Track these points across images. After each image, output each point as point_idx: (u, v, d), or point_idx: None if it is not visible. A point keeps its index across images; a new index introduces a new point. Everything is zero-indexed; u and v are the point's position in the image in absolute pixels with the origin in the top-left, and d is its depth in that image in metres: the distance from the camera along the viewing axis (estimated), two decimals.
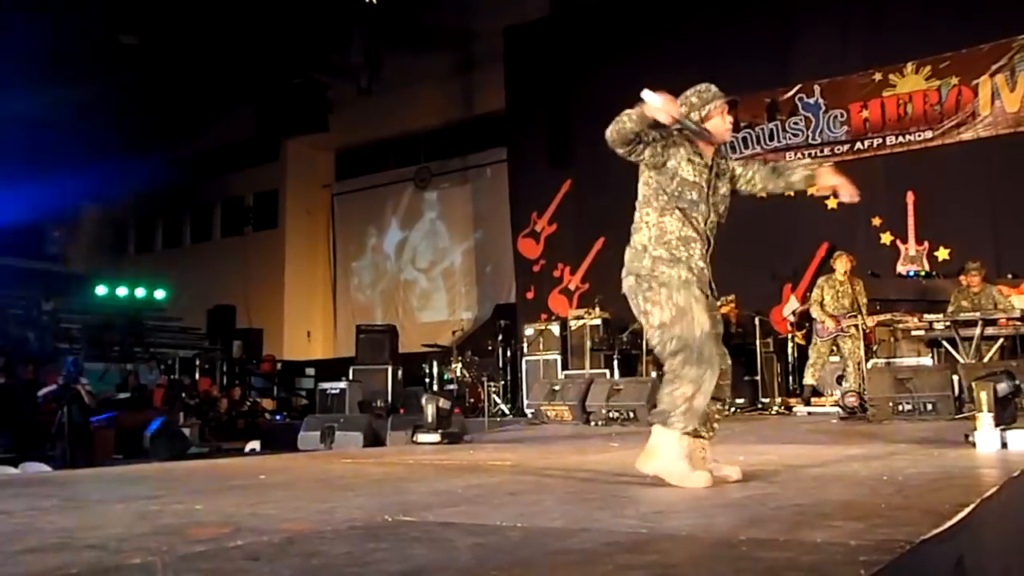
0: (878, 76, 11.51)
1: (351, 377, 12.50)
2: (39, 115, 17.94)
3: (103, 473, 6.72)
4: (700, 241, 3.70)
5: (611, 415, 8.61)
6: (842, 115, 11.74)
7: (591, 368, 10.81)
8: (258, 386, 17.30)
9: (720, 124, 3.79)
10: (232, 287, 19.59)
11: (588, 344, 11.01)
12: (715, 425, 3.84)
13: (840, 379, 9.32)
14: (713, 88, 3.88)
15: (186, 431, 12.75)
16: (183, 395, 15.64)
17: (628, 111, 3.63)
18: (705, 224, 3.73)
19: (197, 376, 17.55)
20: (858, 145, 11.65)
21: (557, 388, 9.49)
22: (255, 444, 12.37)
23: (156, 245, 23.01)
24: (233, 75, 18.32)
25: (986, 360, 8.25)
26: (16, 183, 17.18)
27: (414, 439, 7.53)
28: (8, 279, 18.96)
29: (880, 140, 11.51)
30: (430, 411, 7.63)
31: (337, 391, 11.72)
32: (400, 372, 13.27)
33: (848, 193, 3.84)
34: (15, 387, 13.32)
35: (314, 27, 16.82)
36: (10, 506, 3.55)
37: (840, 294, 9.13)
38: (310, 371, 16.94)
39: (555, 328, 11.76)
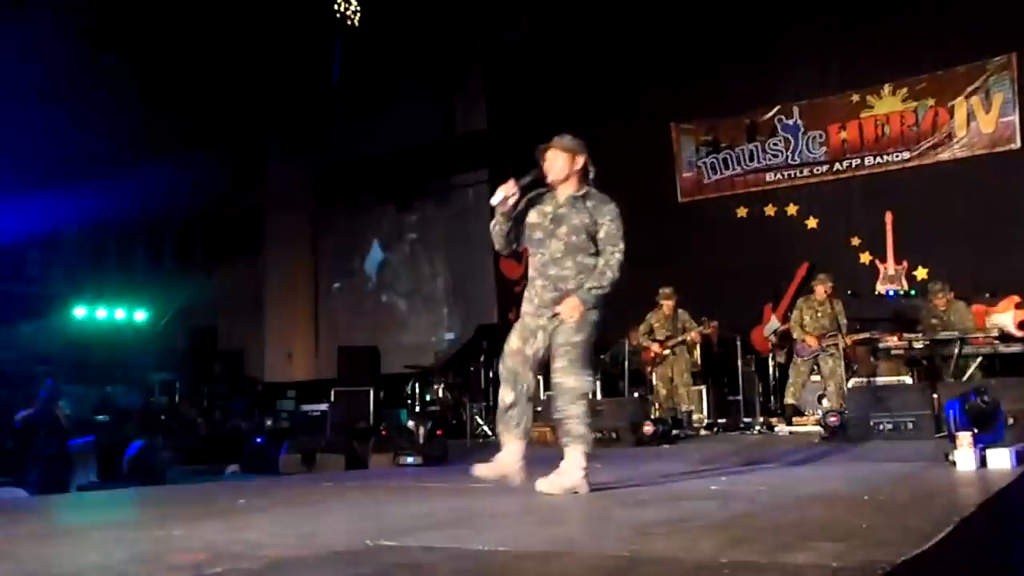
0: (856, 98, 11.65)
1: (333, 399, 12.42)
2: (18, 135, 17.84)
3: (80, 498, 6.64)
4: (540, 277, 4.26)
5: (594, 435, 8.58)
6: (821, 136, 11.86)
7: None
8: (238, 408, 17.15)
9: (546, 167, 4.29)
10: (213, 309, 19.46)
11: None
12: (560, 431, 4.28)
13: (821, 398, 9.36)
14: None
15: (165, 454, 12.61)
16: (162, 417, 15.51)
17: (492, 225, 4.35)
18: (549, 257, 4.23)
19: (176, 399, 17.41)
20: (837, 166, 11.76)
21: (539, 409, 9.46)
22: (235, 467, 12.25)
23: (136, 266, 22.84)
24: (217, 94, 18.30)
25: (965, 378, 8.31)
26: None
27: (396, 461, 7.50)
28: None
29: (858, 161, 11.63)
30: (413, 433, 7.61)
31: (318, 413, 11.64)
32: (382, 394, 13.20)
33: None
34: None
35: (296, 48, 16.83)
36: None
37: (820, 314, 9.20)
38: (291, 393, 16.82)
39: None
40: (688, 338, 9.64)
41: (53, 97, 17.15)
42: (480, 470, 4.34)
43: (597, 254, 4.29)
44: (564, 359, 4.16)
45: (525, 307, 4.33)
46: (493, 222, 4.28)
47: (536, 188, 4.28)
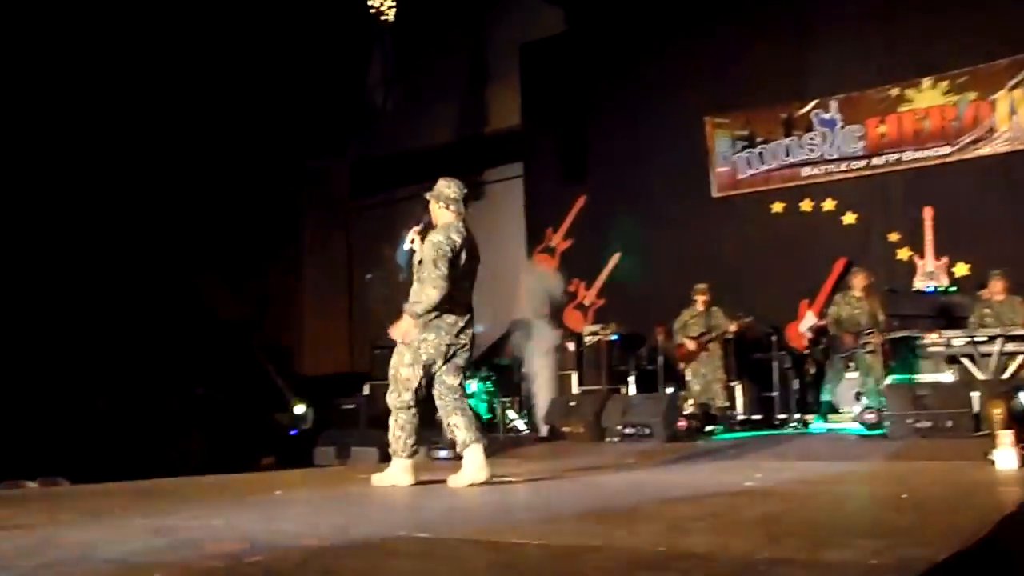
0: (895, 91, 11.47)
1: (366, 392, 12.49)
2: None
3: (120, 487, 6.74)
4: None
5: (626, 431, 8.56)
6: (859, 130, 11.69)
7: (607, 384, 10.77)
8: (273, 401, 17.30)
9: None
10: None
11: (604, 360, 10.98)
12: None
13: (858, 395, 9.25)
14: None
15: (202, 446, 12.77)
16: (200, 409, 15.69)
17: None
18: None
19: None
20: (875, 160, 11.59)
21: (572, 404, 9.46)
22: (270, 459, 12.38)
23: None
24: (251, 93, 18.47)
25: (1007, 376, 8.16)
26: None
27: (430, 455, 7.52)
28: None
29: (897, 156, 11.45)
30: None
31: (352, 406, 11.71)
32: None
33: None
34: (35, 401, 13.41)
35: (331, 45, 16.93)
36: (30, 520, 3.57)
37: (857, 310, 9.07)
38: (325, 386, 16.92)
39: (570, 344, 11.73)
40: (721, 334, 9.55)
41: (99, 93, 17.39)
42: (375, 479, 4.88)
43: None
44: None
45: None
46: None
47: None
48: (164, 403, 15.31)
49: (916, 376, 9.18)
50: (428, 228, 4.95)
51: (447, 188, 5.05)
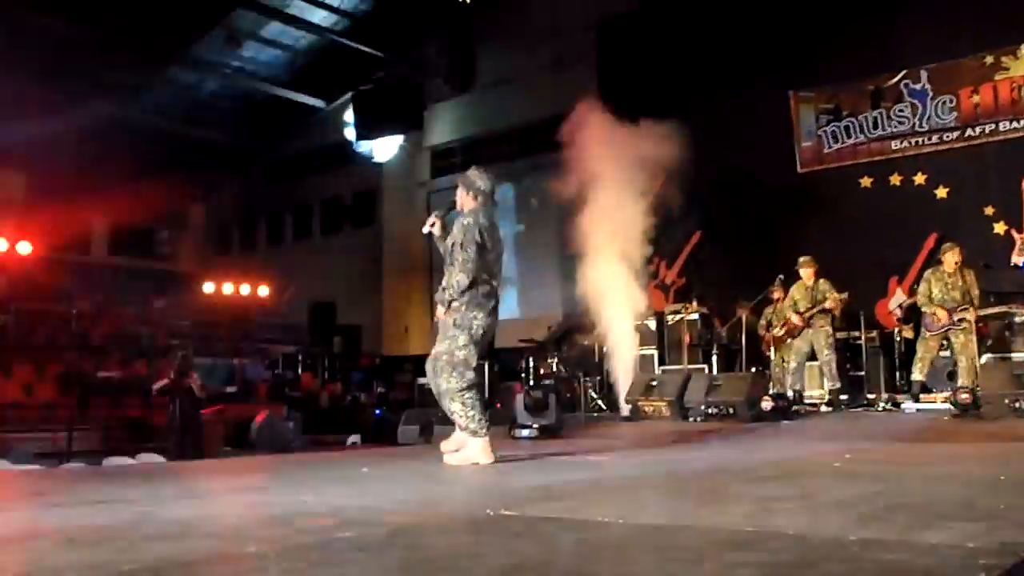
0: (990, 59, 11.02)
1: None
2: (148, 121, 18.72)
3: (214, 465, 6.97)
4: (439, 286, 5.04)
5: (710, 411, 8.47)
6: (951, 101, 11.28)
7: (688, 363, 10.67)
8: (357, 381, 17.66)
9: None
10: (332, 284, 20.03)
11: (685, 339, 10.87)
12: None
13: (951, 375, 8.95)
14: None
15: (289, 424, 13.12)
16: (287, 389, 16.11)
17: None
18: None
19: (300, 371, 18.04)
20: (968, 132, 11.17)
21: (654, 383, 9.38)
22: (356, 438, 12.64)
23: (259, 244, 23.71)
24: (330, 76, 18.78)
25: None
26: (129, 187, 17.94)
27: (512, 434, 7.57)
28: (122, 279, 19.85)
29: (992, 126, 11.02)
30: (528, 406, 7.68)
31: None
32: (496, 367, 13.34)
33: None
34: (130, 381, 13.95)
35: (408, 27, 17.07)
36: (131, 495, 3.72)
37: (950, 286, 8.73)
38: (408, 366, 17.19)
39: (651, 323, 11.64)
40: (827, 307, 9.20)
41: (184, 82, 17.93)
42: (450, 458, 4.91)
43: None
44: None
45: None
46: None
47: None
48: (252, 384, 15.77)
49: (1012, 354, 8.84)
50: (449, 213, 5.07)
51: (478, 179, 5.11)
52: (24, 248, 16.83)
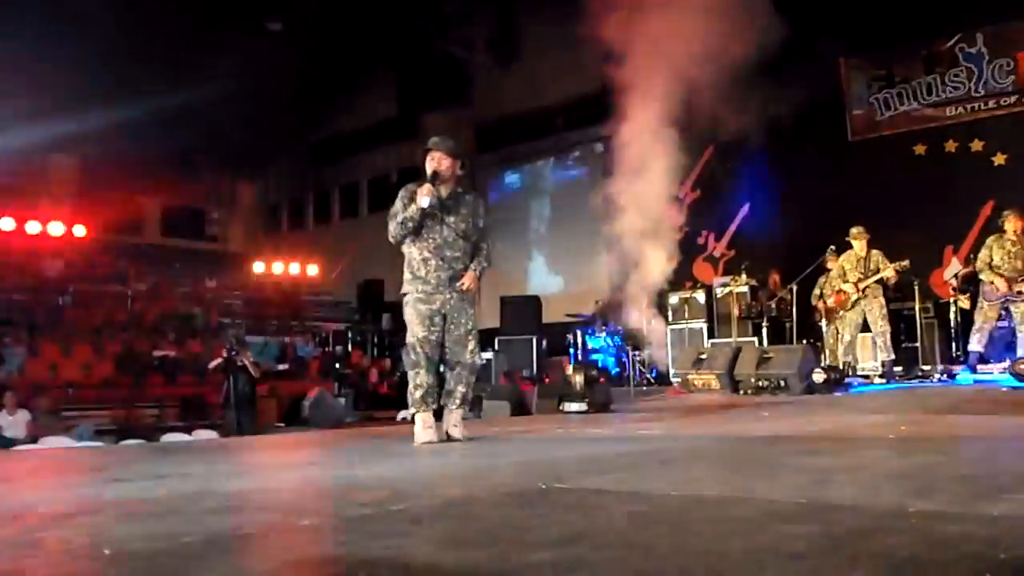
0: None
1: (496, 347, 12.67)
2: (196, 106, 18.92)
3: (268, 440, 7.09)
4: (435, 257, 4.84)
5: (760, 384, 8.38)
6: (1009, 64, 10.96)
7: (738, 336, 10.57)
8: None
9: (428, 168, 4.87)
10: (380, 261, 20.15)
11: (735, 312, 10.77)
12: (450, 397, 4.96)
13: (1010, 346, 8.74)
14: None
15: (340, 400, 13.28)
16: (337, 366, 16.30)
17: (408, 220, 4.85)
18: (443, 240, 4.85)
19: (349, 348, 18.23)
20: None
21: (704, 356, 9.31)
22: (406, 413, 12.73)
23: (307, 223, 23.95)
24: (374, 53, 18.79)
25: None
26: (180, 169, 18.22)
27: (561, 408, 7.58)
28: (174, 260, 20.20)
29: None
30: (576, 380, 7.67)
31: (484, 361, 11.90)
32: (544, 342, 13.35)
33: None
34: (184, 360, 14.22)
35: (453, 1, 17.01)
36: (189, 470, 3.80)
37: (1012, 255, 8.45)
38: None
39: (700, 296, 11.55)
40: (883, 277, 8.97)
41: (225, 67, 18.05)
42: (421, 438, 4.76)
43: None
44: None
45: (416, 293, 4.89)
46: (411, 216, 4.80)
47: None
48: (303, 361, 15.96)
49: None
50: (435, 178, 4.82)
51: (455, 146, 4.99)
52: (79, 231, 17.22)
